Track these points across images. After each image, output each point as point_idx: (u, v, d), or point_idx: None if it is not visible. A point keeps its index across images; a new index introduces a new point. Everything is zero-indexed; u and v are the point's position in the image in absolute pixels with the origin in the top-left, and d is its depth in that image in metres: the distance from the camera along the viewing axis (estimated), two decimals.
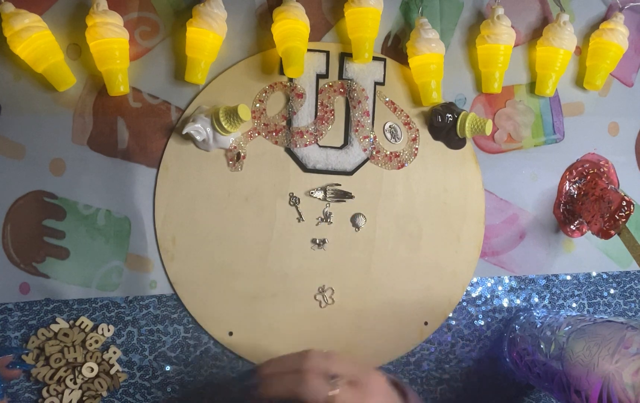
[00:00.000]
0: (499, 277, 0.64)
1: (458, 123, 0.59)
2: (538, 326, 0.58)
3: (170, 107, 0.57)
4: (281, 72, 0.59)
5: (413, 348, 0.62)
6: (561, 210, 0.65)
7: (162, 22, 0.57)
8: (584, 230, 0.65)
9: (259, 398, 0.47)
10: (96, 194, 0.56)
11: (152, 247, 0.57)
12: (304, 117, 0.59)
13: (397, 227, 0.61)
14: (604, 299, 0.67)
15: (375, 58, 0.61)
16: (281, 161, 0.59)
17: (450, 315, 0.63)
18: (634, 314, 0.68)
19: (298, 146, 0.59)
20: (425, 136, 0.62)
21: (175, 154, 0.57)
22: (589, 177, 0.65)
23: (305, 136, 0.59)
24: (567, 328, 0.53)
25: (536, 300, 0.65)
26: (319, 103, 0.60)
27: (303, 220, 0.60)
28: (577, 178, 0.65)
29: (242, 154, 0.58)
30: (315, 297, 0.60)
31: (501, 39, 0.59)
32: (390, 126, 0.61)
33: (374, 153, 0.61)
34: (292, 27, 0.55)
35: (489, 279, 0.64)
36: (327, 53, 0.60)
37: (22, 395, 0.55)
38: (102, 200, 0.56)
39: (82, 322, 0.56)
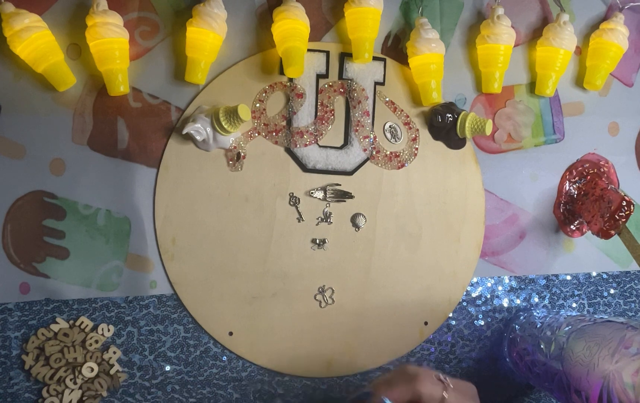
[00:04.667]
0: (499, 277, 0.64)
1: (458, 123, 0.59)
2: (538, 326, 0.58)
3: (170, 107, 0.57)
4: (281, 72, 0.59)
5: (413, 348, 0.62)
6: (561, 210, 0.65)
7: (162, 22, 0.57)
8: (584, 230, 0.65)
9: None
10: (96, 194, 0.56)
11: (152, 247, 0.57)
12: (304, 117, 0.59)
13: (397, 227, 0.61)
14: (604, 299, 0.67)
15: (375, 58, 0.61)
16: (281, 161, 0.59)
17: (450, 315, 0.63)
18: (634, 314, 0.68)
19: (298, 146, 0.59)
20: (425, 136, 0.62)
21: (175, 154, 0.57)
22: (589, 177, 0.65)
23: (305, 136, 0.59)
24: (567, 328, 0.53)
25: (536, 300, 0.65)
26: (319, 103, 0.60)
27: (303, 220, 0.60)
28: (577, 178, 0.65)
29: (242, 154, 0.58)
30: (315, 297, 0.60)
31: (501, 39, 0.59)
32: (390, 126, 0.61)
33: (374, 152, 0.61)
34: (292, 27, 0.55)
35: (489, 279, 0.64)
36: (327, 53, 0.60)
37: (22, 395, 0.55)
38: (102, 200, 0.56)
39: (82, 322, 0.56)
